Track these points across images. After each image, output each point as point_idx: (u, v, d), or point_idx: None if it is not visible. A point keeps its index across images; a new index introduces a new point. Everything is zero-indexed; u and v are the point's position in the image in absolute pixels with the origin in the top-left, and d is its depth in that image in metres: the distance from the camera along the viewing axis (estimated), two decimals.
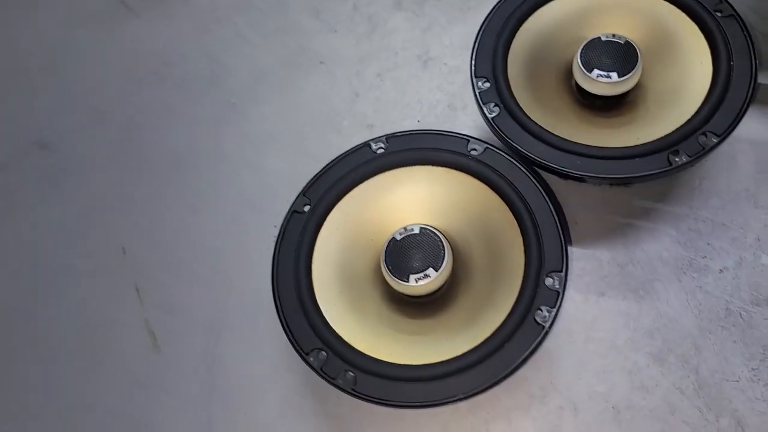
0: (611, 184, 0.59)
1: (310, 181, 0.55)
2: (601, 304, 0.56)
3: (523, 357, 0.47)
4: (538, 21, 0.59)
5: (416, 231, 0.52)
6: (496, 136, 0.55)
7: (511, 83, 0.57)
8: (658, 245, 0.57)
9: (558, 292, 0.49)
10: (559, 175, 0.53)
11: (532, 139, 0.54)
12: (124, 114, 0.71)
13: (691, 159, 0.51)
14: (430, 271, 0.50)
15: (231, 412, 0.56)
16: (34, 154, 0.70)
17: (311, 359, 0.49)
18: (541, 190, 0.52)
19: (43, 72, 0.75)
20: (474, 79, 0.57)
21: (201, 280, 0.62)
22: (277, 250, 0.53)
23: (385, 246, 0.52)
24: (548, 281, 0.49)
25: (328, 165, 0.56)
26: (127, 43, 0.75)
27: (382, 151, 0.56)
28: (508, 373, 0.47)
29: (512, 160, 0.54)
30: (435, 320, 0.52)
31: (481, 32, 0.59)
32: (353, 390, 0.48)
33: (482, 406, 0.53)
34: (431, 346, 0.50)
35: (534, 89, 0.58)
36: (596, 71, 0.55)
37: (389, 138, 0.56)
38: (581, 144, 0.53)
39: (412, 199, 0.55)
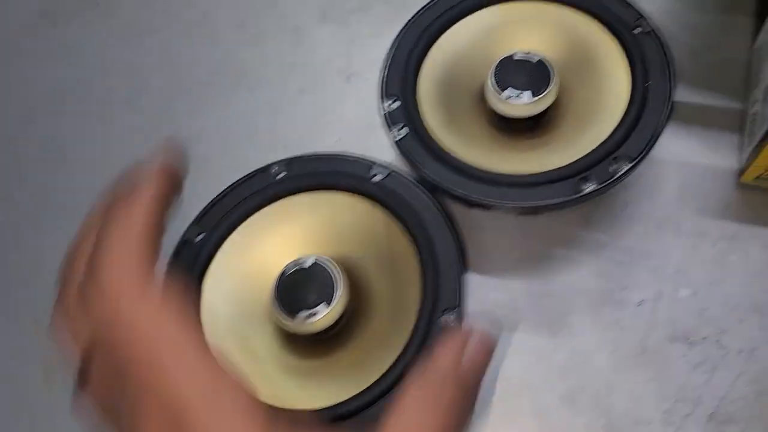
0: (519, 213, 0.56)
1: (204, 209, 0.53)
2: (512, 339, 0.53)
3: None
4: (452, 38, 0.56)
5: (309, 263, 0.49)
6: (403, 159, 0.52)
7: (422, 104, 0.54)
8: (575, 276, 0.54)
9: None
10: (464, 202, 0.50)
11: (437, 164, 0.51)
12: (37, 133, 0.68)
13: (600, 186, 0.48)
14: (321, 307, 0.47)
15: None
16: None
17: None
18: (444, 219, 0.49)
19: None
20: (383, 98, 0.54)
21: None
22: (164, 284, 0.50)
23: (276, 280, 0.49)
24: (444, 318, 0.46)
25: (224, 191, 0.53)
26: (46, 56, 0.72)
27: (282, 175, 0.53)
28: None
29: (416, 185, 0.51)
30: (327, 361, 0.49)
31: (393, 48, 0.56)
32: None
33: None
34: (318, 390, 0.47)
35: (447, 110, 0.54)
36: (508, 92, 0.51)
37: (290, 162, 0.53)
38: (488, 170, 0.50)
39: (310, 227, 0.52)
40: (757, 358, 0.50)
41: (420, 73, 0.55)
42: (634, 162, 0.48)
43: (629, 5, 0.54)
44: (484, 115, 0.55)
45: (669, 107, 0.49)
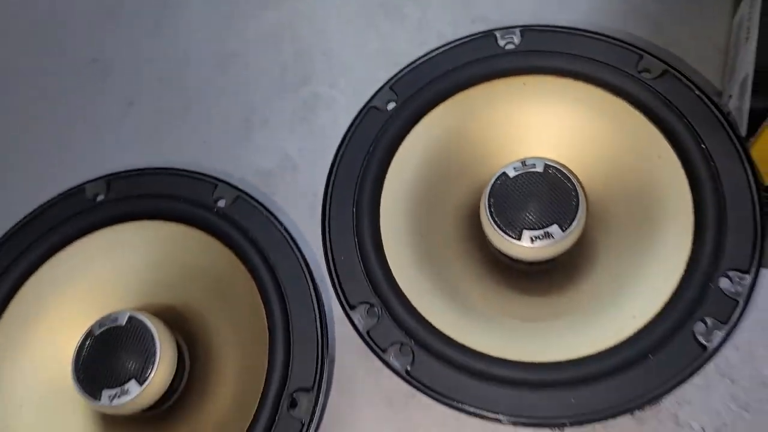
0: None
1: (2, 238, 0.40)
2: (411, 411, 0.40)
3: None
4: (415, 147, 0.39)
5: (122, 321, 0.36)
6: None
7: (391, 262, 0.36)
8: None
9: (302, 424, 0.33)
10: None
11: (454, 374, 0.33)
12: None
13: (729, 325, 0.32)
14: (131, 384, 0.35)
15: None
16: None
17: None
18: (303, 269, 0.37)
19: None
20: (333, 265, 0.36)
21: None
22: None
23: (78, 345, 0.36)
24: (296, 403, 0.34)
25: (23, 220, 0.40)
26: None
27: (101, 197, 0.40)
28: None
29: (269, 216, 0.38)
30: None
31: (332, 179, 0.38)
32: None
33: None
34: None
35: (424, 257, 0.37)
36: (527, 233, 0.34)
37: (111, 181, 0.40)
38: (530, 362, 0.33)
39: (130, 269, 0.39)
40: None
41: (380, 216, 0.37)
42: (755, 270, 0.33)
43: (620, 44, 0.39)
44: (478, 253, 0.38)
45: (751, 171, 0.34)
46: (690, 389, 0.39)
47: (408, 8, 0.52)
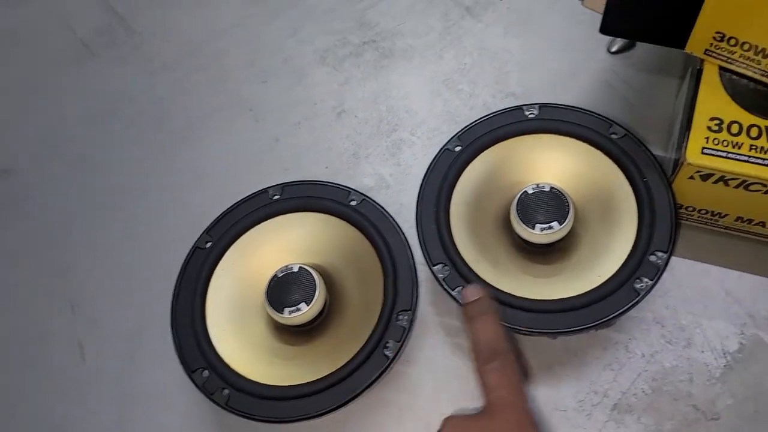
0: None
1: (213, 222, 0.65)
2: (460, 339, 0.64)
3: (369, 382, 0.56)
4: (471, 174, 0.64)
5: (295, 269, 0.61)
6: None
7: (456, 240, 0.60)
8: None
9: (404, 329, 0.58)
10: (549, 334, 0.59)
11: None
12: (76, 148, 0.80)
13: (653, 281, 0.56)
14: (303, 305, 0.59)
15: (140, 416, 0.65)
16: None
17: (195, 377, 0.58)
18: (404, 240, 0.61)
19: (9, 107, 0.84)
20: (423, 240, 0.60)
21: (128, 299, 0.71)
22: (178, 281, 0.62)
23: (268, 281, 0.60)
24: (400, 318, 0.58)
25: (230, 207, 0.65)
26: (84, 82, 0.85)
27: (277, 197, 0.65)
28: (352, 396, 0.56)
29: (383, 211, 0.63)
30: (308, 347, 0.61)
31: (422, 190, 0.63)
32: (226, 405, 0.57)
33: (344, 424, 0.61)
34: (299, 370, 0.59)
35: (475, 236, 0.62)
36: (538, 226, 0.58)
37: (284, 187, 0.65)
38: (539, 300, 0.57)
39: (297, 241, 0.64)
40: (656, 361, 0.61)
41: (450, 212, 0.62)
42: (669, 251, 0.57)
43: (598, 117, 0.63)
44: (508, 238, 0.63)
45: (671, 194, 0.59)
46: (635, 330, 0.63)
47: (462, 85, 0.78)
